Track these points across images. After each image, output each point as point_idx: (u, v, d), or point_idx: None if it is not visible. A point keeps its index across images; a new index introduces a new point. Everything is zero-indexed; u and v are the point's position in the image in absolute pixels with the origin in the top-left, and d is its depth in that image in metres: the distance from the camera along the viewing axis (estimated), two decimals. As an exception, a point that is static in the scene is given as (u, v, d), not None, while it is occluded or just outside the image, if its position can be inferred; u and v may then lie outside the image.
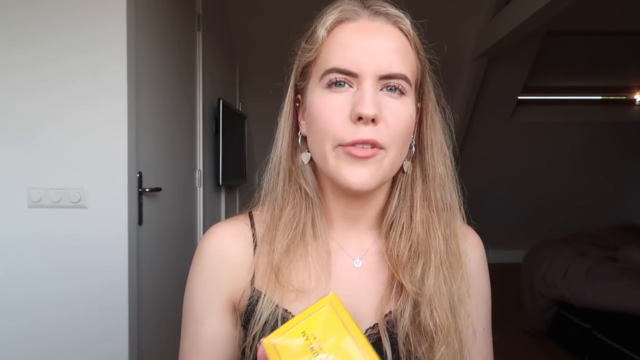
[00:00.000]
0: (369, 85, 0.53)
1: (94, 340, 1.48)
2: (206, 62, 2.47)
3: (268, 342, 0.42)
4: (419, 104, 0.61)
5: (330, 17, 0.57)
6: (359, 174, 0.53)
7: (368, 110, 0.51)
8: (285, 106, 0.63)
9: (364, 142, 0.52)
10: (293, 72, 0.62)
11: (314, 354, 0.40)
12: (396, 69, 0.54)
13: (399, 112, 0.54)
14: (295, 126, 0.63)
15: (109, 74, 1.47)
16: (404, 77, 0.54)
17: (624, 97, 4.40)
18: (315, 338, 0.41)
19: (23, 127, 1.46)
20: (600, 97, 4.40)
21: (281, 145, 0.62)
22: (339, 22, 0.56)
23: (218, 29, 2.86)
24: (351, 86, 0.54)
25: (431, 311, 0.56)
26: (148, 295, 1.68)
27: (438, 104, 0.62)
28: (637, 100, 4.36)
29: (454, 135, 0.64)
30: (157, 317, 1.78)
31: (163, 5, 1.89)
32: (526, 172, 4.65)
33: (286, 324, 0.44)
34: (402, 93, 0.55)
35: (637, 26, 3.43)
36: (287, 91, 0.63)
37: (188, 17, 2.28)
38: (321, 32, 0.57)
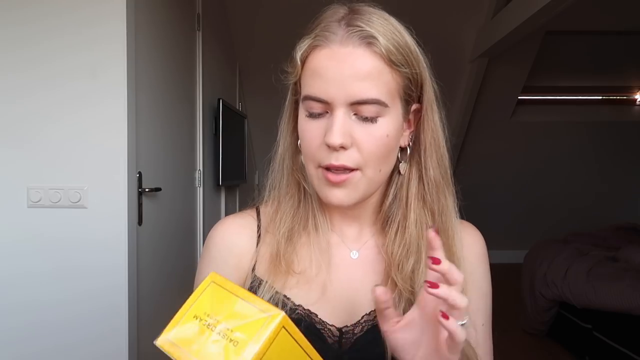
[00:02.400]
0: (339, 114, 0.55)
1: (94, 339, 1.48)
2: (206, 62, 2.47)
3: (163, 341, 0.41)
4: (415, 106, 0.61)
5: (304, 44, 0.58)
6: (337, 195, 0.58)
7: (334, 140, 0.54)
8: (286, 109, 0.65)
9: (335, 167, 0.56)
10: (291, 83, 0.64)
11: (211, 329, 0.40)
12: (367, 94, 0.54)
13: (371, 135, 0.55)
14: (296, 127, 0.64)
15: (108, 74, 1.47)
16: (376, 101, 0.55)
17: (624, 97, 4.39)
18: (208, 315, 0.41)
19: (23, 127, 1.46)
20: (600, 97, 4.40)
21: (283, 145, 0.65)
22: (313, 47, 0.57)
23: (218, 29, 2.86)
24: (327, 112, 0.56)
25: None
26: (148, 295, 1.68)
27: (435, 105, 0.62)
28: (637, 100, 4.36)
29: (449, 137, 0.64)
30: (157, 317, 1.78)
31: (163, 5, 1.89)
32: (526, 172, 4.65)
33: (174, 318, 0.43)
34: (373, 120, 0.56)
35: (637, 26, 3.43)
36: (287, 94, 0.64)
37: (188, 17, 2.28)
38: (297, 57, 0.59)
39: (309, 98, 0.56)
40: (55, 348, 1.47)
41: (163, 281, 1.85)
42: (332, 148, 0.55)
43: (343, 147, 0.55)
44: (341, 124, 0.54)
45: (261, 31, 3.26)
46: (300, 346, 0.41)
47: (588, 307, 2.55)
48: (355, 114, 0.55)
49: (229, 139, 2.79)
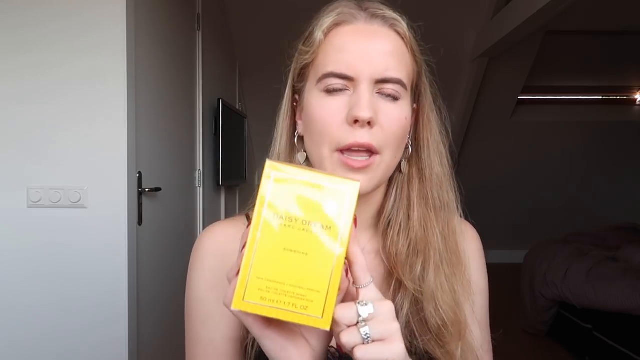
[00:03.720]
0: (365, 88, 0.53)
1: (94, 339, 1.48)
2: (206, 62, 2.47)
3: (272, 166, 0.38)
4: (415, 105, 0.61)
5: (327, 20, 0.57)
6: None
7: (364, 114, 0.52)
8: (283, 106, 0.64)
9: (359, 146, 0.53)
10: (291, 73, 0.63)
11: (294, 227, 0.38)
12: (392, 73, 0.54)
13: (393, 115, 0.55)
14: (293, 126, 0.63)
15: (109, 74, 1.47)
16: (399, 82, 0.55)
17: (623, 97, 4.40)
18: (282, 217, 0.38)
19: (23, 127, 1.46)
20: (600, 97, 4.40)
21: (279, 144, 0.63)
22: (336, 24, 0.57)
23: (218, 29, 2.86)
24: (348, 89, 0.55)
25: (436, 307, 0.56)
26: (147, 294, 1.68)
27: (434, 104, 0.62)
28: (637, 100, 4.36)
29: (450, 135, 0.64)
30: (157, 317, 1.78)
31: (163, 5, 1.89)
32: (526, 172, 4.65)
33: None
34: (395, 99, 0.55)
35: (637, 26, 3.43)
36: (285, 91, 0.63)
37: (188, 17, 2.28)
38: (318, 34, 0.57)
39: (331, 75, 0.55)
40: (54, 347, 1.47)
41: (163, 280, 1.85)
42: (360, 123, 0.53)
43: (369, 124, 0.53)
44: (368, 98, 0.53)
45: (261, 31, 3.26)
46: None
47: (588, 307, 2.55)
48: (378, 92, 0.55)
49: (229, 139, 2.79)
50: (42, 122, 1.46)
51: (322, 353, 0.43)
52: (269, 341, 0.41)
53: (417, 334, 0.57)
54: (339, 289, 0.38)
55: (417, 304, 0.57)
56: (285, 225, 0.37)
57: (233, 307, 0.37)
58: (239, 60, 3.50)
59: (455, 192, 0.63)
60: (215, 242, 0.62)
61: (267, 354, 0.42)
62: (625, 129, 4.41)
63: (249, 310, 0.37)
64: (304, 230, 0.37)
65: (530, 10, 2.50)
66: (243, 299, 0.37)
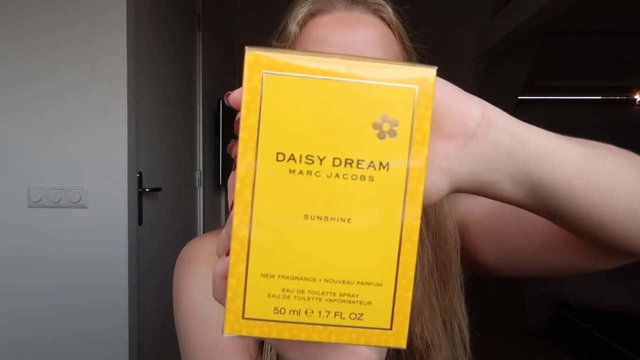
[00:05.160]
0: None
1: (94, 339, 1.48)
2: (206, 62, 2.47)
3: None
4: None
5: (302, 10, 0.51)
6: None
7: None
8: None
9: None
10: None
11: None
12: None
13: None
14: None
15: (109, 74, 1.47)
16: None
17: (623, 97, 4.40)
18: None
19: (24, 127, 1.46)
20: (599, 97, 4.40)
21: None
22: (312, 15, 0.50)
23: (218, 29, 2.86)
24: None
25: (422, 327, 0.51)
26: (148, 295, 1.68)
27: None
28: (637, 100, 4.36)
29: None
30: (157, 317, 1.78)
31: (163, 5, 1.89)
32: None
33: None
34: None
35: (637, 26, 3.43)
36: None
37: (188, 17, 2.28)
38: (292, 27, 0.50)
39: None
40: (54, 347, 1.47)
41: (163, 281, 1.85)
42: None
43: None
44: None
45: (261, 31, 3.25)
46: None
47: (588, 307, 2.55)
48: None
49: (230, 139, 2.78)
50: (43, 122, 1.46)
51: (383, 351, 0.31)
52: (296, 352, 0.28)
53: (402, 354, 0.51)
54: (414, 272, 0.23)
55: None
56: (301, 172, 0.22)
57: (226, 333, 0.23)
58: (239, 60, 3.50)
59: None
60: (203, 249, 0.56)
61: None
62: (625, 129, 4.40)
63: (256, 334, 0.22)
64: (337, 176, 0.22)
65: (530, 10, 2.50)
66: (242, 316, 0.22)
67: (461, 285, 0.56)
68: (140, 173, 1.61)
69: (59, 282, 1.48)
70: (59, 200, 1.46)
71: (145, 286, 1.66)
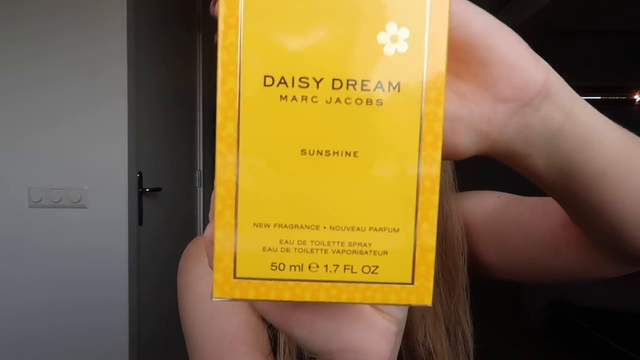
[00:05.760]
0: None
1: (94, 340, 1.48)
2: (206, 62, 2.47)
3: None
4: None
5: None
6: None
7: None
8: None
9: None
10: None
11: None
12: None
13: None
14: None
15: (109, 74, 1.47)
16: None
17: (623, 98, 4.40)
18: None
19: (23, 127, 1.46)
20: (599, 97, 4.40)
21: None
22: None
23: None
24: None
25: (424, 334, 0.50)
26: (148, 295, 1.68)
27: None
28: (637, 100, 4.36)
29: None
30: (157, 318, 1.78)
31: (163, 5, 1.89)
32: (526, 172, 4.65)
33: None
34: None
35: (637, 26, 3.43)
36: None
37: (188, 17, 2.28)
38: None
39: None
40: (54, 348, 1.47)
41: (163, 281, 1.85)
42: None
43: None
44: None
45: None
46: None
47: (587, 307, 2.55)
48: None
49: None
50: (43, 123, 1.46)
51: (402, 320, 0.25)
52: (304, 330, 0.23)
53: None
54: (437, 213, 0.19)
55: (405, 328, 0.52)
56: (294, 98, 0.18)
57: (216, 297, 0.19)
58: (239, 60, 3.50)
59: (455, 190, 0.57)
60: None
61: (305, 349, 0.26)
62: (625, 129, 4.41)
63: (251, 297, 0.18)
64: (338, 101, 0.18)
65: (530, 10, 2.51)
66: (234, 275, 0.18)
67: (467, 293, 0.55)
68: (140, 173, 1.61)
69: (59, 282, 1.48)
70: (59, 200, 1.46)
71: (145, 286, 1.66)
